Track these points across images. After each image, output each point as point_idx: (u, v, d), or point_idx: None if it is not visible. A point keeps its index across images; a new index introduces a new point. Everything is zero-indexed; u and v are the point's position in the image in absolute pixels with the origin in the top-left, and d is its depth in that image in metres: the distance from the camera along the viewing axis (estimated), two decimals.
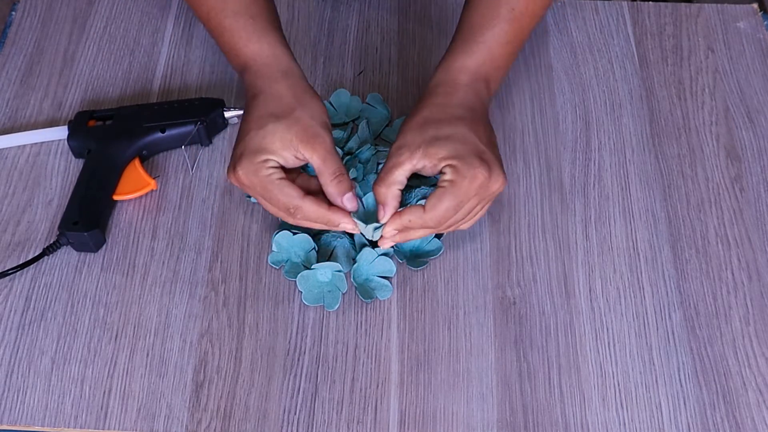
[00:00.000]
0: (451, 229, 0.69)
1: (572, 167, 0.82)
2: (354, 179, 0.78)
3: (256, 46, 0.73)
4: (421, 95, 0.73)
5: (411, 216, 0.67)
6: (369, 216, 0.71)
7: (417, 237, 0.70)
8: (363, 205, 0.72)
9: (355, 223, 0.69)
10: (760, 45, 0.91)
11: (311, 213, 0.67)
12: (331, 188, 0.68)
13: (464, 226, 0.70)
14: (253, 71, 0.72)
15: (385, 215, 0.68)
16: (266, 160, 0.67)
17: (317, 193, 0.69)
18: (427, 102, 0.71)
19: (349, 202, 0.68)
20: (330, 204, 0.68)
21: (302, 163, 0.69)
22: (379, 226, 0.69)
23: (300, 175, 0.72)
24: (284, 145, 0.67)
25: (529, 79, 0.88)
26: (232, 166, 0.68)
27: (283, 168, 0.68)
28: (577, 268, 0.75)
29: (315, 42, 0.91)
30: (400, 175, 0.67)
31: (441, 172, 0.67)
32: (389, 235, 0.69)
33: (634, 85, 0.88)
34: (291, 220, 0.69)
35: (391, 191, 0.67)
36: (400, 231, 0.68)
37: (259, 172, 0.67)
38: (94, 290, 0.74)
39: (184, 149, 0.82)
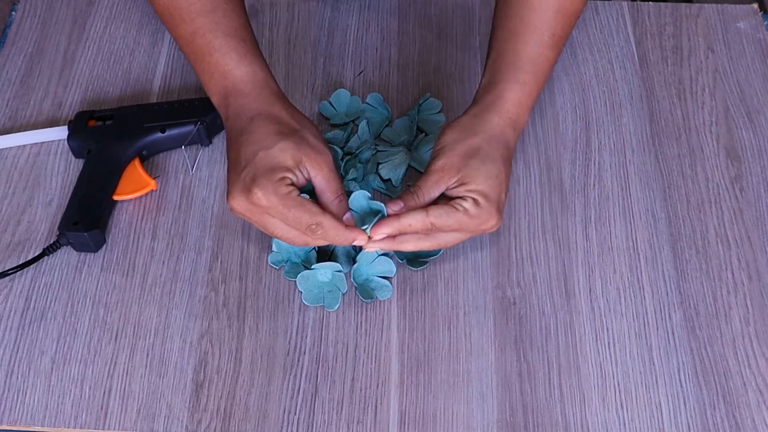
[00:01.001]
0: (432, 246, 0.69)
1: (572, 167, 0.82)
2: (353, 179, 0.78)
3: (248, 69, 0.71)
4: (470, 113, 0.71)
5: (412, 220, 0.66)
6: (363, 218, 0.70)
7: (406, 248, 0.68)
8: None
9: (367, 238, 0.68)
10: (760, 45, 0.91)
11: (331, 229, 0.65)
12: (333, 207, 0.67)
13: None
14: (244, 94, 0.70)
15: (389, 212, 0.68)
16: (283, 178, 0.65)
17: None
18: (477, 128, 0.70)
19: (348, 221, 0.68)
20: (346, 223, 0.68)
21: (306, 183, 0.67)
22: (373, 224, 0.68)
23: None
24: (296, 163, 0.66)
25: None
26: (244, 190, 0.64)
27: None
28: (577, 268, 0.75)
29: (315, 42, 0.91)
30: (435, 195, 0.68)
31: (462, 197, 0.67)
32: (379, 237, 0.67)
33: (634, 85, 0.88)
34: (303, 241, 0.67)
35: (419, 207, 0.67)
36: (395, 235, 0.67)
37: (279, 191, 0.64)
38: (94, 290, 0.74)
39: (184, 149, 0.82)
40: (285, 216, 0.65)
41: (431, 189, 0.68)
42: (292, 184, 0.65)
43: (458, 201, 0.67)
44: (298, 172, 0.66)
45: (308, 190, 0.69)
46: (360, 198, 0.70)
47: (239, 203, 0.65)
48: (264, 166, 0.65)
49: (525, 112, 0.72)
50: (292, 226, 0.66)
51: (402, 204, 0.67)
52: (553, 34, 0.73)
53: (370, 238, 0.67)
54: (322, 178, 0.67)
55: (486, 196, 0.67)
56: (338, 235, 0.66)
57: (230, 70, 0.71)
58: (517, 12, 0.74)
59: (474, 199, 0.67)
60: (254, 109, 0.69)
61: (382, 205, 0.68)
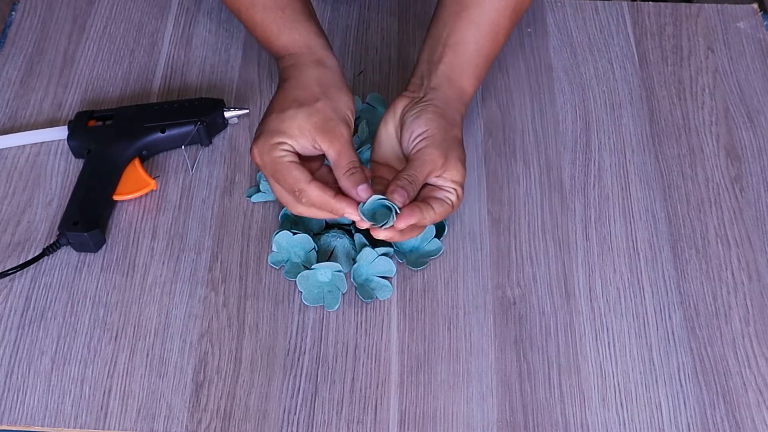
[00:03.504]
0: (414, 235, 0.71)
1: (572, 167, 0.82)
2: None
3: (287, 39, 0.74)
4: (438, 98, 0.72)
5: (427, 215, 0.68)
6: (375, 218, 0.69)
7: (404, 239, 0.70)
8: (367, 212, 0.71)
9: (360, 216, 0.68)
10: (760, 45, 0.91)
11: (316, 198, 0.67)
12: (344, 181, 0.68)
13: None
14: (284, 60, 0.74)
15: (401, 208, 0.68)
16: (281, 143, 0.68)
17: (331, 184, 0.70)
18: (453, 117, 0.72)
19: (363, 192, 0.68)
20: (337, 193, 0.68)
21: (319, 153, 0.69)
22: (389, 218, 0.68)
23: (321, 168, 0.73)
24: (301, 133, 0.68)
25: (529, 79, 0.88)
26: (252, 143, 0.70)
27: (299, 154, 0.69)
28: (577, 268, 0.75)
29: None
30: (422, 184, 0.70)
31: (446, 189, 0.69)
32: (403, 226, 0.67)
33: (634, 85, 0.88)
34: (297, 208, 0.69)
35: (414, 194, 0.69)
36: (408, 227, 0.68)
37: (272, 153, 0.68)
38: (94, 290, 0.74)
39: (184, 149, 0.82)
40: (274, 177, 0.69)
41: (424, 180, 0.69)
42: (293, 151, 0.69)
43: (445, 194, 0.70)
44: (304, 140, 0.68)
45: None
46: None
47: (250, 152, 0.71)
48: (269, 127, 0.69)
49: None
50: (282, 187, 0.69)
51: (406, 194, 0.67)
52: (506, 33, 0.76)
53: (392, 227, 0.67)
54: (333, 151, 0.68)
55: (461, 185, 0.70)
56: (324, 204, 0.68)
57: (273, 42, 0.75)
58: (478, 2, 0.75)
59: (455, 190, 0.70)
60: (287, 73, 0.73)
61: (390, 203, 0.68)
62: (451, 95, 0.73)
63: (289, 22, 0.74)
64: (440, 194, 0.69)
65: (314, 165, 0.72)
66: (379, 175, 0.72)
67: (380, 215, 0.68)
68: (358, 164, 0.69)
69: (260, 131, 0.70)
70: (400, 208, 0.67)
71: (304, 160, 0.70)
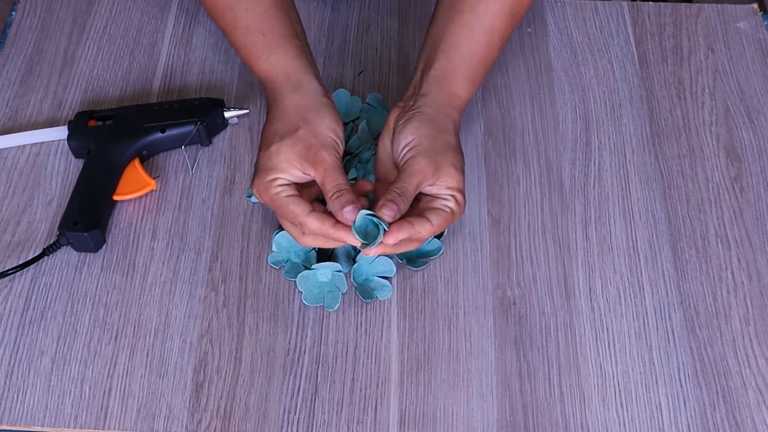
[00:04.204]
0: (415, 246, 0.71)
1: (572, 167, 0.82)
2: (354, 179, 0.78)
3: (265, 65, 0.74)
4: (429, 105, 0.72)
5: (421, 228, 0.67)
6: (367, 235, 0.69)
7: (400, 250, 0.69)
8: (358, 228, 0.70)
9: (357, 239, 0.67)
10: (760, 45, 0.91)
11: (316, 229, 0.67)
12: (331, 204, 0.68)
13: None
14: (266, 88, 0.75)
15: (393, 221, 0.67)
16: (275, 179, 0.69)
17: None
18: (444, 123, 0.72)
19: (349, 214, 0.67)
20: (335, 222, 0.68)
21: (312, 179, 0.69)
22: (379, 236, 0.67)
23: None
24: (289, 165, 0.69)
25: (529, 79, 0.88)
26: (251, 183, 0.71)
27: (298, 183, 0.70)
28: (577, 268, 0.75)
29: (315, 42, 0.91)
30: (413, 196, 0.69)
31: (443, 197, 0.69)
32: (394, 242, 0.67)
33: (634, 85, 0.88)
34: (305, 241, 0.70)
35: (405, 207, 0.68)
36: (400, 241, 0.67)
37: (269, 191, 0.68)
38: (94, 290, 0.74)
39: (184, 149, 0.82)
40: (278, 213, 0.70)
41: (416, 191, 0.69)
42: (289, 183, 0.69)
43: (443, 203, 0.69)
44: (294, 171, 0.69)
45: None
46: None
47: (253, 193, 0.72)
48: (260, 165, 0.70)
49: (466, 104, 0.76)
50: (287, 221, 0.70)
51: (396, 207, 0.67)
52: (501, 36, 0.76)
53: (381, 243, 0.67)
54: (318, 176, 0.69)
55: (460, 191, 0.70)
56: (324, 233, 0.68)
57: (253, 67, 0.76)
58: (473, 6, 0.74)
59: (454, 197, 0.69)
60: (270, 104, 0.74)
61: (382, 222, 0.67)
62: (441, 101, 0.73)
63: (269, 47, 0.74)
64: (437, 204, 0.69)
65: (316, 190, 0.72)
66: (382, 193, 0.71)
67: (371, 231, 0.68)
68: (343, 186, 0.68)
69: (255, 170, 0.71)
70: (389, 224, 0.66)
71: (305, 187, 0.71)
